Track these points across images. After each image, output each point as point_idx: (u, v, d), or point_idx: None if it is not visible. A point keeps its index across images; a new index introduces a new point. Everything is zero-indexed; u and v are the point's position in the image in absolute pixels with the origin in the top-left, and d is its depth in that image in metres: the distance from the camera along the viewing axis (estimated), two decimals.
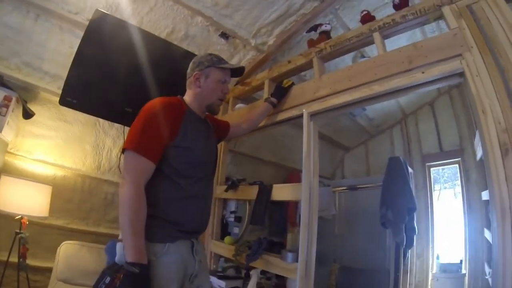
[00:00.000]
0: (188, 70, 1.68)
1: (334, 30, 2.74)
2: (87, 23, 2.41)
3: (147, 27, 2.71)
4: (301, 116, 2.24)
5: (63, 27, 2.60)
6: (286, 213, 2.50)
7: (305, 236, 2.01)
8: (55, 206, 2.87)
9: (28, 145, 2.85)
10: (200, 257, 1.55)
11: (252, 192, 2.52)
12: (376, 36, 2.05)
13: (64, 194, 3.00)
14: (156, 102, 1.47)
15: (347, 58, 2.97)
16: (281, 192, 2.36)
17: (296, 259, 2.03)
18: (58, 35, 2.63)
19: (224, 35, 2.87)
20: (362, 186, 3.85)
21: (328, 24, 2.51)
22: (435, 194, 4.33)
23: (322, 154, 4.16)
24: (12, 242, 2.50)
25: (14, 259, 2.49)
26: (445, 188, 4.43)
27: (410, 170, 3.52)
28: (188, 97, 1.64)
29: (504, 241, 1.36)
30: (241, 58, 3.10)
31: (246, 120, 2.24)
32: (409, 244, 3.30)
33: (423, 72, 1.76)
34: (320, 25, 2.51)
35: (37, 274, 2.83)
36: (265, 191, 2.41)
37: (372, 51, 2.90)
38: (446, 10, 1.83)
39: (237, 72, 1.75)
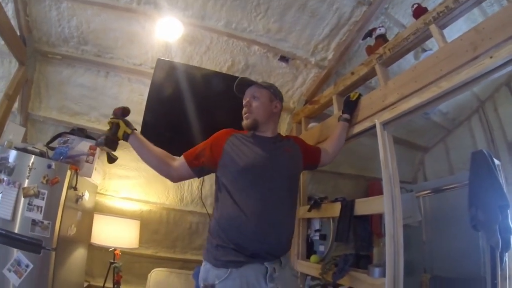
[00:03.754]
0: None
1: (389, 30, 2.64)
2: (151, 71, 2.65)
3: (208, 65, 2.89)
4: (374, 127, 2.16)
5: (131, 79, 2.92)
6: (370, 226, 2.43)
7: (391, 249, 1.91)
8: (144, 237, 3.16)
9: (115, 185, 3.17)
10: (279, 284, 1.49)
11: (335, 209, 2.48)
12: (433, 28, 1.92)
13: (151, 226, 3.26)
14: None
15: (409, 56, 2.84)
16: (363, 206, 2.29)
17: (383, 274, 1.95)
18: (127, 86, 2.94)
19: (284, 58, 2.91)
20: (447, 187, 3.56)
21: (382, 27, 2.45)
22: None
23: (400, 159, 3.98)
24: (107, 271, 2.81)
25: (108, 284, 2.82)
26: None
27: (497, 162, 3.22)
28: None
29: None
30: (305, 77, 3.10)
31: (330, 146, 2.19)
32: (506, 246, 2.96)
33: (491, 57, 1.58)
34: (374, 29, 2.46)
35: None
36: (348, 207, 2.36)
37: (432, 42, 2.75)
38: None
39: (240, 87, 1.85)
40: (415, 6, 2.19)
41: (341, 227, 2.38)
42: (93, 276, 3.07)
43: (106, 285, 2.82)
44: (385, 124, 2.12)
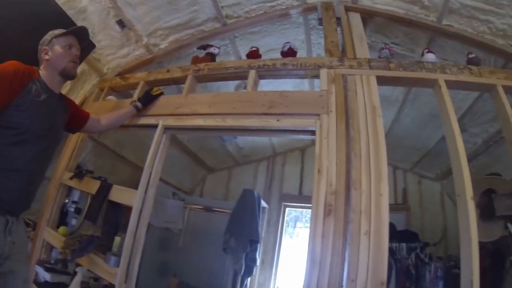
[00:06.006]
0: (38, 52, 1.72)
1: (226, 55, 2.80)
2: None
3: None
4: (156, 126, 2.22)
5: None
6: (121, 215, 2.44)
7: (130, 243, 1.97)
8: None
9: None
10: (15, 239, 1.45)
11: (93, 186, 2.43)
12: (252, 73, 2.14)
13: None
14: (6, 64, 1.49)
15: (231, 85, 3.04)
16: (118, 194, 2.30)
17: (118, 264, 1.98)
18: None
19: (121, 23, 2.72)
20: (216, 209, 3.92)
21: (218, 48, 2.57)
22: (295, 231, 4.65)
23: (185, 168, 4.16)
24: None
25: None
26: (306, 227, 4.80)
27: (265, 205, 3.71)
28: (41, 70, 1.66)
29: None
30: (130, 52, 2.96)
31: (106, 119, 2.16)
32: (248, 273, 3.45)
33: (278, 120, 1.87)
34: (210, 46, 2.55)
35: None
36: (104, 188, 2.35)
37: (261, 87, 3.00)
38: (323, 71, 2.03)
39: (81, 33, 1.78)
40: (254, 49, 2.41)
41: (93, 206, 2.37)
42: None
43: None
44: (167, 129, 2.21)
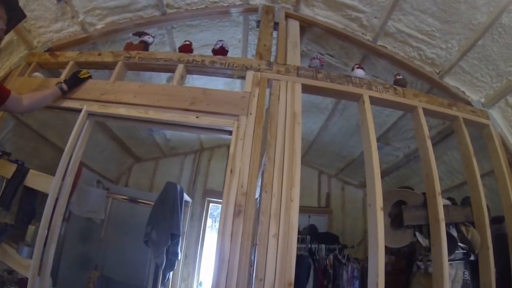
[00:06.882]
0: None
1: (162, 45, 2.75)
2: None
3: None
4: (80, 111, 2.11)
5: None
6: (37, 202, 2.30)
7: (44, 233, 1.84)
8: None
9: None
10: None
11: (9, 170, 2.27)
12: (180, 67, 2.13)
13: None
14: None
15: (164, 76, 2.98)
16: (35, 179, 2.18)
17: (31, 255, 1.85)
18: None
19: None
20: (141, 200, 3.84)
21: (153, 37, 2.50)
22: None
23: (112, 156, 4.03)
24: None
25: None
26: None
27: (188, 199, 3.68)
28: None
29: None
30: (64, 27, 2.75)
31: (29, 98, 1.96)
32: (170, 267, 3.41)
33: (197, 117, 1.88)
34: (145, 34, 2.48)
35: None
36: (20, 173, 2.22)
37: (192, 82, 2.96)
38: (249, 73, 2.05)
39: (9, 2, 1.66)
40: (186, 42, 2.39)
41: (7, 191, 2.23)
42: None
43: None
44: (90, 115, 2.12)
